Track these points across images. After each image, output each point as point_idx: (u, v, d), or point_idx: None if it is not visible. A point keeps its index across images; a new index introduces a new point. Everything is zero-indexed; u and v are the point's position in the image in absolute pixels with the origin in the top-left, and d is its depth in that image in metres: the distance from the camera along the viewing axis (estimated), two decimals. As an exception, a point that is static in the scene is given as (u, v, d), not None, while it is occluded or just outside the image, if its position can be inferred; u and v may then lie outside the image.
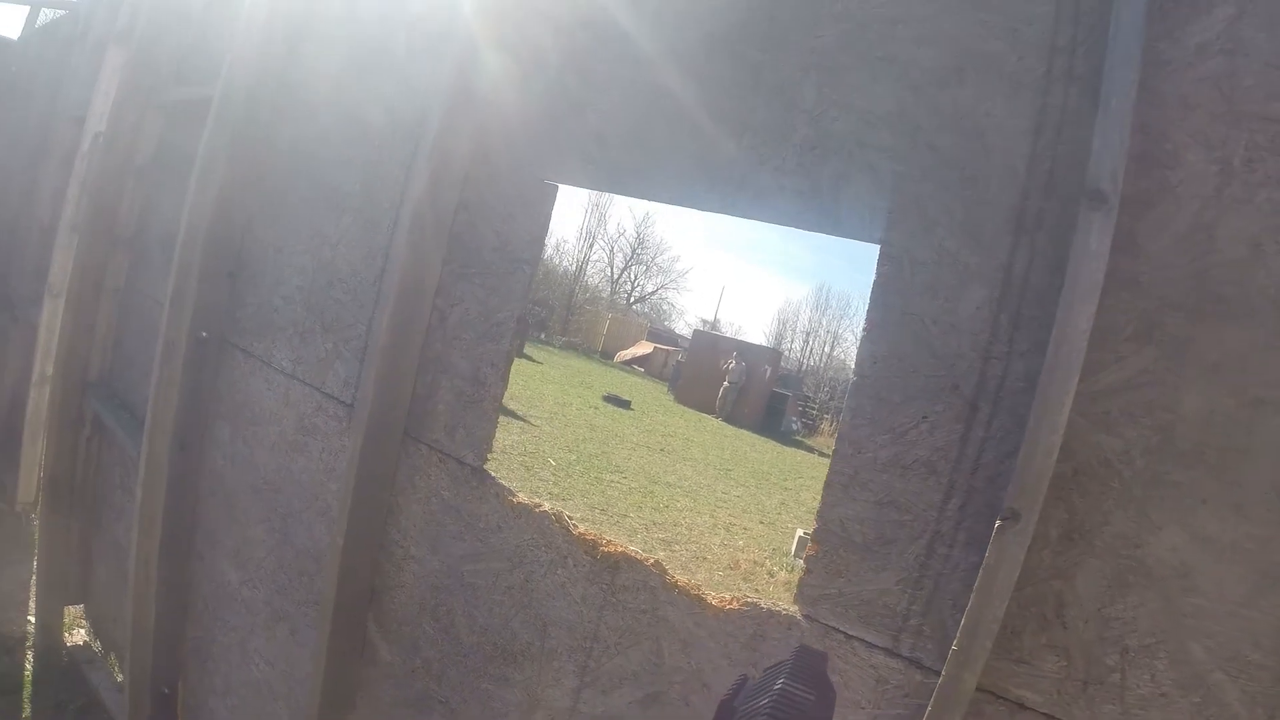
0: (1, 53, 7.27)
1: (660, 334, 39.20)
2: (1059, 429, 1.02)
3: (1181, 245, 1.12)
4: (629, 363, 31.70)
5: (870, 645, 1.10)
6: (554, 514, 1.42)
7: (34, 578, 3.72)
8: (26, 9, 7.43)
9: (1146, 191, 1.14)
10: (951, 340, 1.13)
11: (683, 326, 46.32)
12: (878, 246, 1.17)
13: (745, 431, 18.25)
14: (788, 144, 1.25)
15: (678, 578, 1.27)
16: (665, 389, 23.80)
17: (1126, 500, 1.05)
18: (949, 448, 1.11)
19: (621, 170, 1.40)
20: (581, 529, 1.39)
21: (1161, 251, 1.12)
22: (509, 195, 1.50)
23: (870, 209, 1.18)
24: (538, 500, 1.48)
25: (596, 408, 14.81)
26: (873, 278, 1.16)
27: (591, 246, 47.46)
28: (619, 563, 1.32)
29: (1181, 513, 1.04)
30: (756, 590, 6.11)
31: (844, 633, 1.11)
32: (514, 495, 1.47)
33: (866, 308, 1.17)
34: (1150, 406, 1.08)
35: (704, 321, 46.53)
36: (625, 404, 16.24)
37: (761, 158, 1.26)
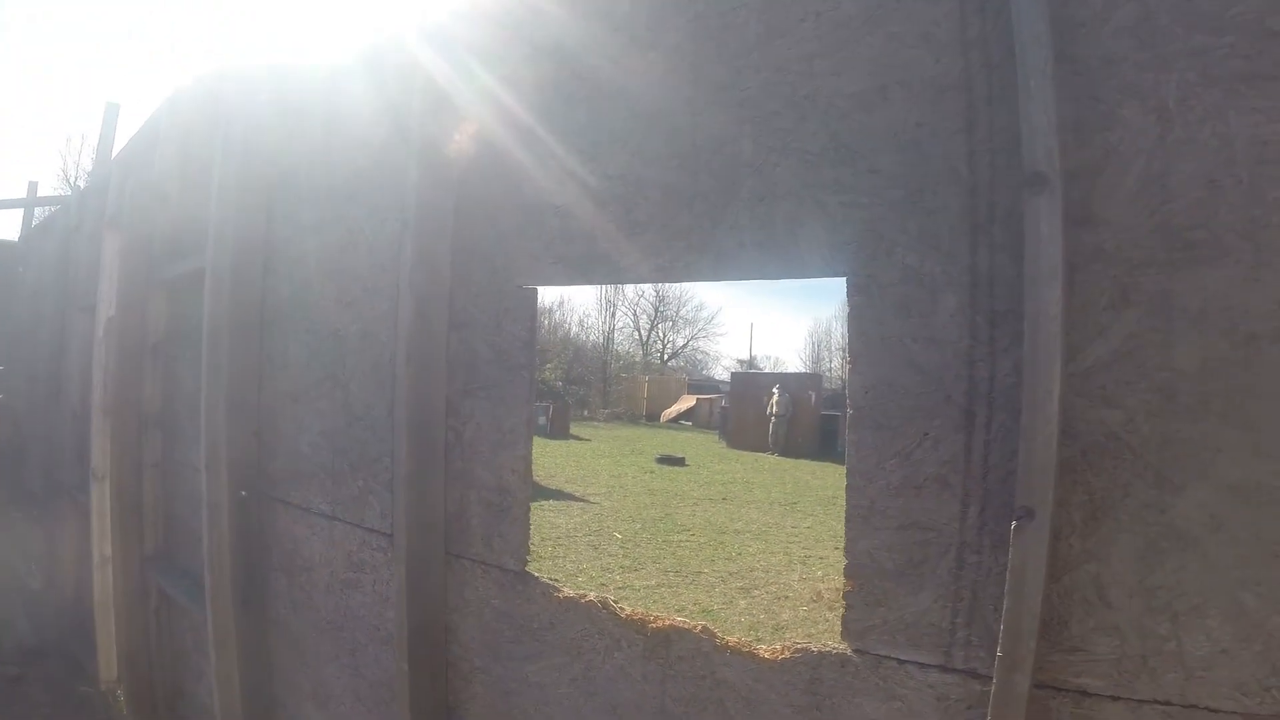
0: (7, 254, 7.69)
1: (701, 384, 38.93)
2: (1053, 417, 1.04)
3: (1137, 202, 1.12)
4: (675, 420, 31.71)
5: (924, 666, 1.12)
6: (599, 601, 1.47)
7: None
8: (21, 210, 7.84)
9: (1091, 160, 1.15)
10: (934, 353, 1.16)
11: (721, 372, 46.22)
12: (844, 280, 1.20)
13: (803, 461, 18.23)
14: (737, 200, 1.29)
15: (728, 638, 1.30)
16: (716, 437, 23.74)
17: (1141, 468, 1.06)
18: (955, 459, 1.13)
19: (589, 262, 1.46)
20: (629, 610, 1.43)
21: (1119, 215, 1.13)
22: (494, 307, 1.57)
23: (829, 245, 1.22)
24: (582, 591, 1.53)
25: (652, 471, 14.85)
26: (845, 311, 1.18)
27: (614, 315, 47.99)
28: (670, 635, 1.36)
29: (1200, 467, 1.04)
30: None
31: (896, 659, 1.14)
32: (559, 590, 1.52)
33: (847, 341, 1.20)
34: (1144, 369, 1.09)
35: (740, 362, 46.23)
36: (679, 461, 16.24)
37: (714, 220, 1.30)
